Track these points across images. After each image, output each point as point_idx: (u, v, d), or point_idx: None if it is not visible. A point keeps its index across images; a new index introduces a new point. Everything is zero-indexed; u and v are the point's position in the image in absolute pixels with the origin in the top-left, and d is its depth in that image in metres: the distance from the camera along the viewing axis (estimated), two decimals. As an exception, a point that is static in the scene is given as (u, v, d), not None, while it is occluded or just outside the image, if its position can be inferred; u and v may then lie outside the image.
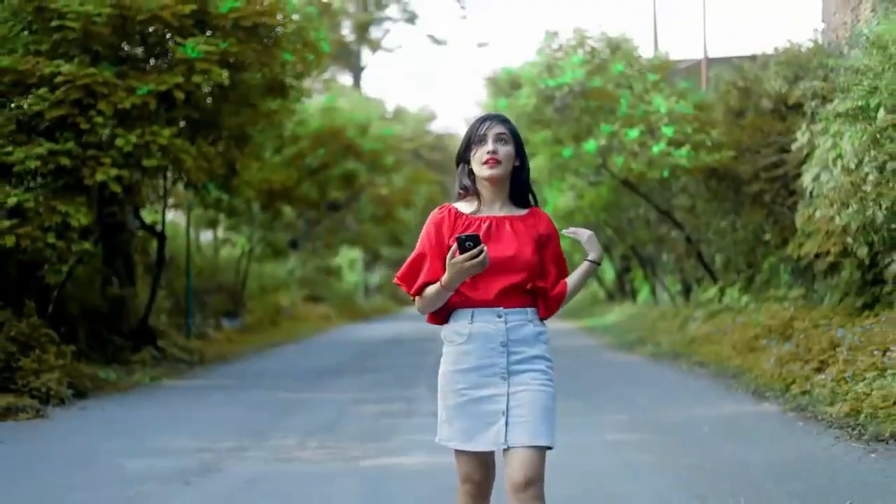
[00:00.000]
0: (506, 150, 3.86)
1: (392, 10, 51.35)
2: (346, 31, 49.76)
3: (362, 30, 49.90)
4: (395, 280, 3.90)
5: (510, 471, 3.70)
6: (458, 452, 3.82)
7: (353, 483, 6.62)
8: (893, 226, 11.21)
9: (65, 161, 11.62)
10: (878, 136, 11.06)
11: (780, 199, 16.12)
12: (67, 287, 13.50)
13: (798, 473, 6.54)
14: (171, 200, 18.64)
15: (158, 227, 16.61)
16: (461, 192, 3.94)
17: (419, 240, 3.88)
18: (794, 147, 14.36)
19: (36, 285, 12.68)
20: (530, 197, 3.96)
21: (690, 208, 19.29)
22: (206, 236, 27.33)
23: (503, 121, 3.93)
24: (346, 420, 9.63)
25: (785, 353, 11.60)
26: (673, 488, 6.18)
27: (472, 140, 3.89)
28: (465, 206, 3.92)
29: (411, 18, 51.51)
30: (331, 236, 33.20)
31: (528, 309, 3.85)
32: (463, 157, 3.93)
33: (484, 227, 3.84)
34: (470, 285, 3.80)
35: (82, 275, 14.92)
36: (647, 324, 20.37)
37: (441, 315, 3.88)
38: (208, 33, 12.68)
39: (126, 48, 12.69)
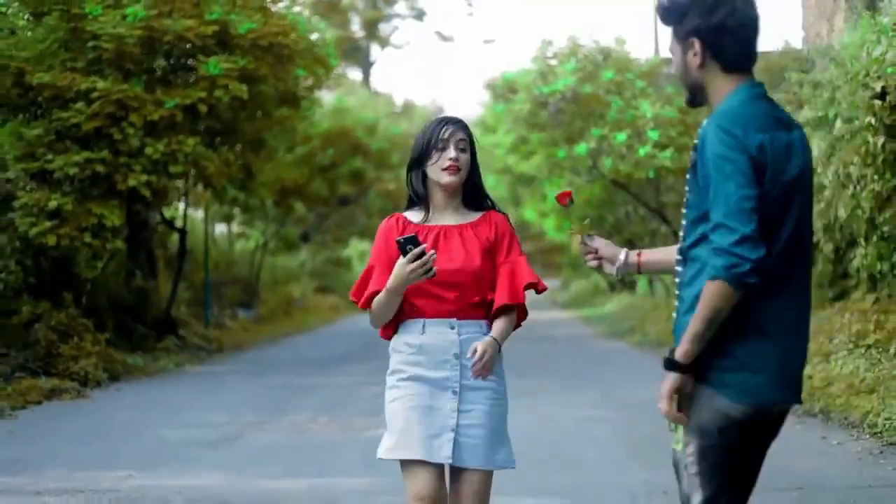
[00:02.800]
0: (465, 157, 3.75)
1: (400, 7, 52.48)
2: (356, 27, 50.86)
3: (371, 26, 50.99)
4: (351, 297, 3.81)
5: (459, 488, 3.67)
6: (405, 467, 3.67)
7: (356, 449, 7.86)
8: (854, 226, 12.33)
9: (100, 168, 12.87)
10: (835, 144, 12.20)
11: (759, 198, 17.28)
12: (97, 280, 14.73)
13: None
14: (189, 198, 19.86)
15: (177, 223, 17.85)
16: (412, 198, 3.83)
17: (371, 253, 3.79)
18: (770, 149, 15.34)
19: (66, 279, 13.90)
20: (486, 201, 3.85)
21: (678, 205, 20.45)
22: (220, 228, 28.45)
23: (464, 126, 3.80)
24: (352, 400, 10.87)
25: (749, 341, 12.81)
26: (622, 453, 7.45)
27: (432, 144, 3.73)
28: (413, 216, 3.82)
29: (419, 15, 52.78)
30: (340, 230, 34.34)
31: (482, 321, 3.75)
32: (418, 162, 3.79)
33: (432, 236, 3.73)
34: (422, 296, 3.69)
35: (109, 269, 16.14)
36: (641, 314, 21.45)
37: (392, 328, 3.80)
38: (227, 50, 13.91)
39: (154, 65, 13.90)
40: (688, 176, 3.00)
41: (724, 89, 3.00)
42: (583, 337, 19.26)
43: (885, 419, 7.80)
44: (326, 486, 6.51)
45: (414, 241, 3.52)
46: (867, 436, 7.66)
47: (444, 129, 3.72)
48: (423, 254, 3.53)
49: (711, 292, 2.81)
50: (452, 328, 3.68)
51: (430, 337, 3.68)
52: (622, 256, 3.42)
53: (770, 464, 6.82)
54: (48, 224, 12.51)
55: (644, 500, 5.91)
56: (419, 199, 3.80)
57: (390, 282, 3.59)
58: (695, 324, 2.84)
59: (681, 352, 2.87)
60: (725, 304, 2.80)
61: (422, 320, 3.70)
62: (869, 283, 12.09)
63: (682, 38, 3.03)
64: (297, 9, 15.31)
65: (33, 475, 6.90)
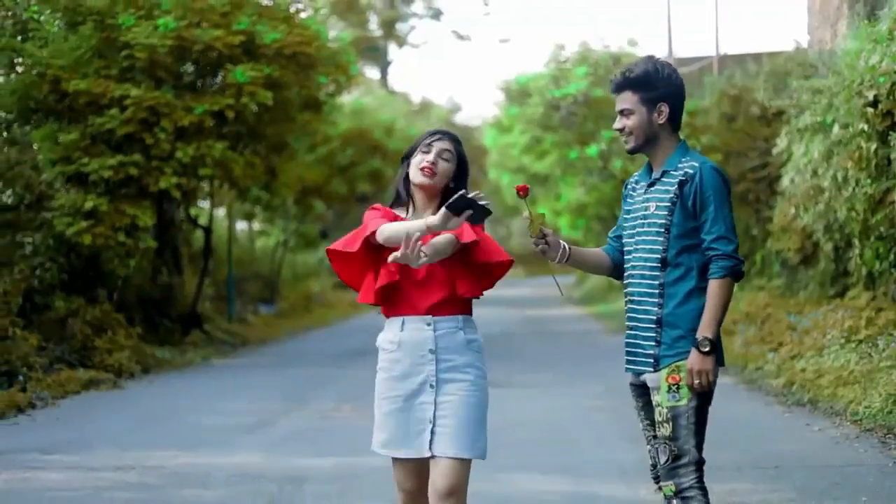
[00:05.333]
0: (445, 166, 3.97)
1: (417, 7, 53.17)
2: (374, 26, 51.54)
3: (389, 26, 51.66)
4: (334, 249, 3.96)
5: (433, 479, 3.84)
6: (397, 466, 3.95)
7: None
8: (850, 226, 12.89)
9: (133, 171, 13.62)
10: (832, 149, 12.77)
11: (765, 198, 17.81)
12: (126, 277, 15.45)
13: (719, 425, 8.35)
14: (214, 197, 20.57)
15: (200, 220, 18.57)
16: (397, 196, 4.07)
17: (364, 221, 3.98)
18: (775, 151, 15.94)
19: (95, 275, 14.62)
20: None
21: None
22: (241, 226, 29.11)
23: (454, 140, 4.05)
24: (372, 390, 11.44)
25: (751, 335, 13.43)
26: (615, 435, 8.13)
27: (419, 146, 4.00)
28: (399, 212, 4.05)
29: (436, 15, 53.34)
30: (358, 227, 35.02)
31: (460, 317, 3.95)
32: (407, 157, 4.05)
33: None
34: (401, 296, 3.93)
35: (137, 266, 16.86)
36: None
37: (372, 295, 3.96)
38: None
39: (184, 73, 14.64)
40: (666, 201, 4.04)
41: (672, 144, 4.12)
42: (591, 332, 19.86)
43: (865, 407, 8.43)
44: (352, 464, 7.20)
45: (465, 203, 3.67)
46: (848, 423, 8.30)
47: (432, 137, 4.03)
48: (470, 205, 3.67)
49: (723, 287, 3.92)
50: (428, 325, 3.91)
51: (408, 334, 3.93)
52: (564, 247, 4.15)
53: (754, 446, 7.51)
54: (84, 224, 13.24)
55: (633, 475, 6.59)
56: (400, 196, 4.06)
57: (435, 220, 3.70)
58: (716, 311, 3.91)
59: (712, 333, 3.91)
60: (732, 293, 3.95)
61: (401, 318, 3.96)
62: (868, 280, 12.61)
63: (651, 100, 4.04)
64: (320, 13, 15.99)
65: (86, 454, 7.63)
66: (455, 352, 3.91)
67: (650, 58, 4.15)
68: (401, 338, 3.92)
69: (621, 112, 4.11)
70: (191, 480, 6.74)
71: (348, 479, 6.76)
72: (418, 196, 4.01)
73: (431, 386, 3.88)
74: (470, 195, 3.68)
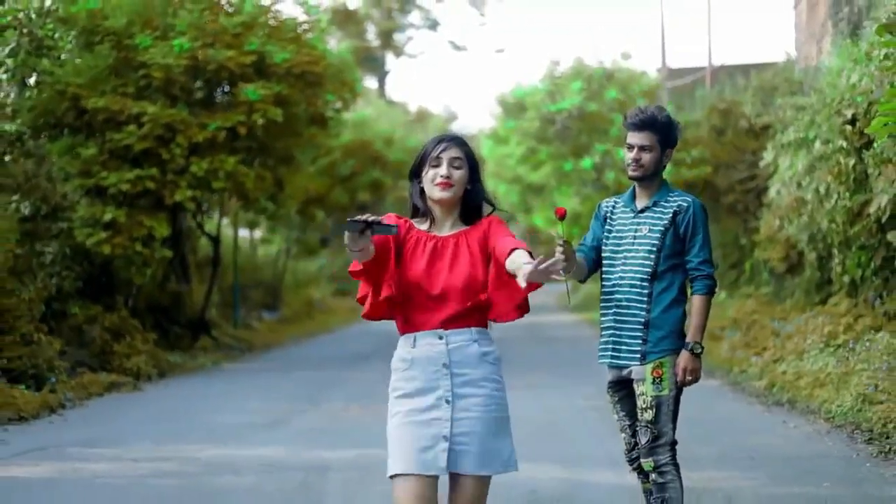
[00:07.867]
0: (459, 174, 3.85)
1: (414, 17, 53.93)
2: (371, 36, 52.24)
3: (386, 36, 52.37)
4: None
5: (454, 498, 3.75)
6: (398, 483, 3.70)
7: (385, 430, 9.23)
8: (832, 236, 13.53)
9: (149, 184, 14.31)
10: (814, 164, 13.42)
11: (753, 209, 18.48)
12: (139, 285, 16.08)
13: (703, 423, 9.09)
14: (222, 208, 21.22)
15: (207, 228, 19.26)
16: (415, 209, 3.98)
17: None
18: (762, 164, 16.57)
19: (108, 283, 15.25)
20: (484, 211, 3.97)
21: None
22: (243, 233, 29.69)
23: (460, 144, 3.92)
24: (378, 391, 12.00)
25: (737, 340, 14.11)
26: (608, 432, 8.77)
27: (427, 160, 3.87)
28: (419, 223, 3.95)
29: (433, 25, 54.20)
30: (359, 235, 35.57)
31: (473, 329, 3.81)
32: (416, 173, 3.95)
33: (430, 246, 3.85)
34: (415, 310, 3.82)
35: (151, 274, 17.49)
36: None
37: (377, 313, 3.88)
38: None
39: (198, 91, 15.34)
40: (659, 226, 4.84)
41: (660, 181, 4.92)
42: (585, 338, 20.47)
43: (837, 406, 9.13)
44: (370, 454, 7.86)
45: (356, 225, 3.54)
46: (821, 420, 9.02)
47: (438, 147, 3.86)
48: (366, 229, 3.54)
49: (706, 302, 4.84)
50: (441, 338, 3.78)
51: (420, 350, 3.80)
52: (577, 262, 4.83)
53: (733, 441, 8.20)
54: (103, 235, 13.93)
55: (621, 463, 7.21)
56: (418, 210, 3.95)
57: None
58: (702, 321, 4.82)
59: (699, 339, 4.80)
60: (710, 307, 4.83)
61: (413, 334, 3.84)
62: (850, 288, 13.24)
63: (664, 144, 4.86)
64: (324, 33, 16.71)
65: (123, 448, 8.32)
66: (469, 365, 3.81)
67: (662, 108, 4.97)
68: (413, 354, 3.82)
69: (641, 147, 4.86)
70: (223, 469, 7.45)
71: (369, 467, 7.42)
72: (437, 211, 3.91)
73: (447, 402, 3.75)
74: (359, 218, 3.52)
